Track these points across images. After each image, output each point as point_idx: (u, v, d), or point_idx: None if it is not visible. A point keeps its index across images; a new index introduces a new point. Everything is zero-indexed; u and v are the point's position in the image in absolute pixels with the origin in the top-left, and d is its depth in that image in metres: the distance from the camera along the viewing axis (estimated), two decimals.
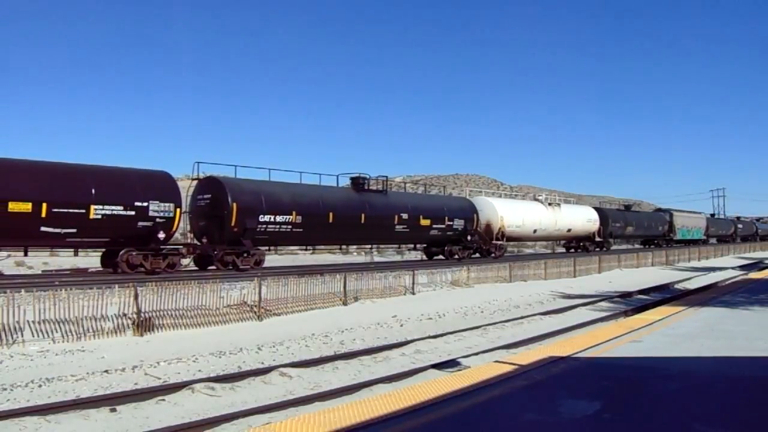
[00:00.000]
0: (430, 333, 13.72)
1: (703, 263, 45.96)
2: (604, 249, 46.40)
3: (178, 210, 21.04)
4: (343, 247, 33.83)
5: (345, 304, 17.65)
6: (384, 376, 9.55)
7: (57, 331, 11.77)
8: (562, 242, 49.39)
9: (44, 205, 17.62)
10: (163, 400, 8.26)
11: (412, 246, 34.89)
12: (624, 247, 56.46)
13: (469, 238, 34.00)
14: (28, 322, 11.52)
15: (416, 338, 12.96)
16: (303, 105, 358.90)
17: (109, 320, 12.52)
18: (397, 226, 29.43)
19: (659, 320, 10.11)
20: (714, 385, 5.81)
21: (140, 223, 19.92)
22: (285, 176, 26.41)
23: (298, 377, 9.64)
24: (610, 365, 6.72)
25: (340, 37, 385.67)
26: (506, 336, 13.70)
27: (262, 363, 10.79)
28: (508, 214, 37.09)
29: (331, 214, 25.88)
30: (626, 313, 16.65)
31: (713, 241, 73.80)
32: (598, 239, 46.84)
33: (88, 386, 9.06)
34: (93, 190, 18.92)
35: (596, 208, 49.83)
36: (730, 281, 26.25)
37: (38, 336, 11.54)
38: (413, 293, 20.58)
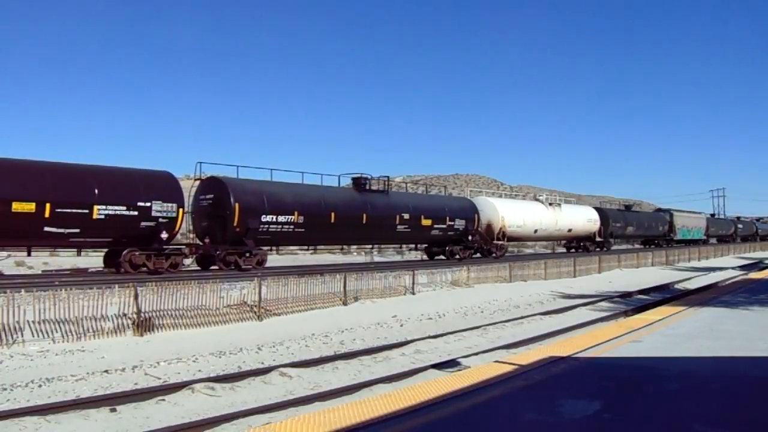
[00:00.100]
0: (430, 333, 13.71)
1: (703, 263, 45.94)
2: (605, 249, 46.37)
3: (180, 210, 21.08)
4: (344, 247, 33.85)
5: (345, 304, 17.65)
6: (384, 376, 9.54)
7: (57, 331, 11.77)
8: (563, 242, 49.38)
9: (48, 206, 17.66)
10: (163, 400, 8.26)
11: (412, 246, 34.91)
12: (624, 247, 56.41)
13: (470, 238, 33.98)
14: (28, 322, 11.52)
15: (416, 338, 12.95)
16: (304, 105, 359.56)
17: (109, 320, 12.52)
18: (399, 226, 29.44)
19: (659, 320, 10.11)
20: (714, 385, 5.81)
21: (143, 223, 19.95)
22: (287, 176, 26.50)
23: (298, 377, 9.64)
24: (610, 365, 6.72)
25: (340, 37, 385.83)
26: (506, 336, 13.69)
27: (262, 363, 10.78)
28: (509, 214, 37.09)
29: (333, 214, 25.89)
30: (626, 313, 16.65)
31: (713, 241, 73.77)
32: (598, 239, 46.83)
33: (88, 386, 9.06)
34: (96, 191, 18.95)
35: (597, 208, 49.81)
36: (730, 281, 26.24)
37: (38, 336, 11.54)
38: (413, 293, 20.57)
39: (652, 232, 57.87)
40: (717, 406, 5.14)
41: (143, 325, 12.83)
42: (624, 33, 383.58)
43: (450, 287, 22.64)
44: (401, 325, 15.20)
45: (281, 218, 23.88)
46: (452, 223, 32.69)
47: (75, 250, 21.39)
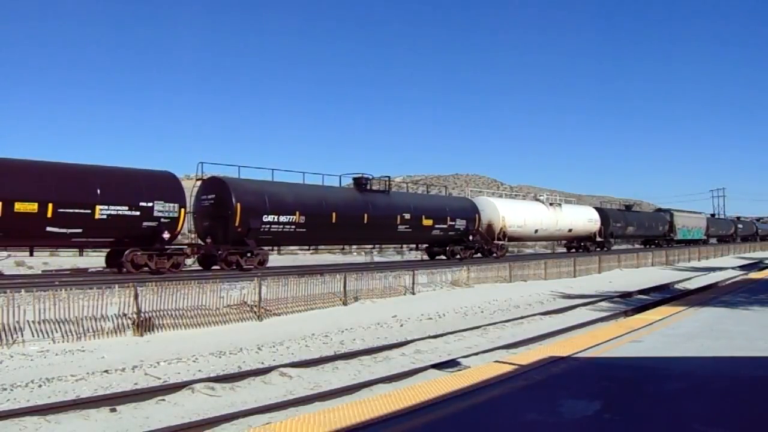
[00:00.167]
0: (430, 333, 13.70)
1: (703, 263, 45.92)
2: (605, 249, 46.37)
3: (182, 210, 21.10)
4: (345, 247, 33.82)
5: (345, 304, 17.65)
6: (384, 376, 9.54)
7: (57, 331, 11.77)
8: (563, 242, 49.39)
9: (50, 206, 17.69)
10: (163, 400, 8.25)
11: (413, 246, 34.90)
12: (624, 247, 56.39)
13: (471, 238, 33.98)
14: (28, 322, 11.52)
15: (416, 338, 12.94)
16: (305, 105, 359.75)
17: (109, 320, 12.51)
18: (400, 226, 29.44)
19: (659, 320, 10.11)
20: (714, 385, 5.80)
21: (145, 223, 19.97)
22: (288, 176, 26.52)
23: (298, 377, 9.64)
24: (610, 365, 6.71)
25: (340, 37, 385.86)
26: (506, 336, 13.69)
27: (262, 363, 10.78)
28: (510, 214, 37.09)
29: (334, 214, 25.89)
30: (626, 313, 16.64)
31: (713, 241, 73.76)
32: (598, 239, 46.82)
33: (88, 386, 9.06)
34: (98, 191, 18.98)
35: (597, 208, 49.81)
36: (730, 281, 26.22)
37: (38, 336, 11.54)
38: (413, 293, 20.57)
39: (653, 232, 57.86)
40: (717, 405, 5.14)
41: (143, 325, 12.83)
42: (624, 33, 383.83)
43: (450, 287, 22.63)
44: (401, 325, 15.19)
45: (283, 218, 23.89)
46: (453, 223, 32.69)
47: (75, 250, 21.42)
